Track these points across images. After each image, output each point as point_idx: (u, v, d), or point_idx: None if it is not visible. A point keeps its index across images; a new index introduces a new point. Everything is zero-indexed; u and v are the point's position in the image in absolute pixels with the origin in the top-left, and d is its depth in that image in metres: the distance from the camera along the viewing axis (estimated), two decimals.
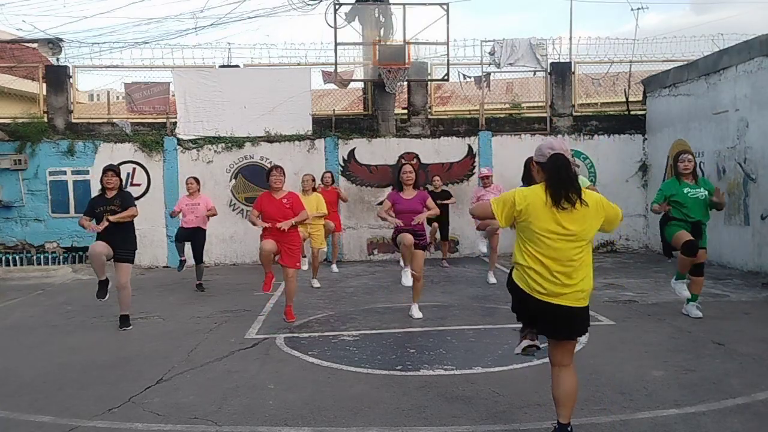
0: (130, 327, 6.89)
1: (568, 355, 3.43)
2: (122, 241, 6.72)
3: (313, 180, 9.48)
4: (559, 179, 3.25)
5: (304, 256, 9.07)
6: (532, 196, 3.31)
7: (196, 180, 9.33)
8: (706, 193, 6.35)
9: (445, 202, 10.58)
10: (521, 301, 3.41)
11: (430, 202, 6.92)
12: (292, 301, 7.07)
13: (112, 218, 6.60)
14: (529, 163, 7.19)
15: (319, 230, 9.16)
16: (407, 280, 6.97)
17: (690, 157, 6.47)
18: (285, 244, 6.79)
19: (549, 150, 3.32)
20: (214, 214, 9.32)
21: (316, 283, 9.21)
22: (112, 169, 6.86)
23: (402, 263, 7.22)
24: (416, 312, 6.97)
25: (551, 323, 3.33)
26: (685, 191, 6.31)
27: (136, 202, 7.02)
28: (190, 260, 9.34)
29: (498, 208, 3.37)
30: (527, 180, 7.14)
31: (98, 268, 6.83)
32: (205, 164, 12.22)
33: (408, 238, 6.70)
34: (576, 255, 3.27)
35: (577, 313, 3.32)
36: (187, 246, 9.25)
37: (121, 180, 6.96)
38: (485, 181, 9.60)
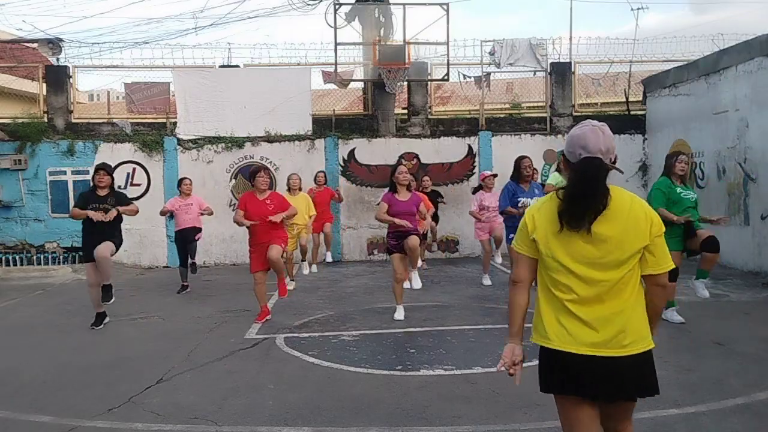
0: (112, 300, 6.76)
1: (623, 421, 2.54)
2: (110, 236, 6.70)
3: (299, 180, 9.44)
4: (581, 196, 2.32)
5: (305, 260, 9.14)
6: (544, 210, 2.44)
7: (191, 181, 9.40)
8: (696, 196, 6.28)
9: (438, 201, 10.70)
10: (555, 365, 2.39)
11: (422, 206, 6.99)
12: (284, 273, 7.11)
13: (121, 209, 6.68)
14: (519, 161, 7.11)
15: (306, 229, 9.19)
16: (400, 315, 6.91)
17: (686, 159, 6.34)
18: (272, 240, 6.69)
19: (581, 150, 2.36)
20: (210, 213, 9.28)
21: (305, 270, 9.28)
22: (103, 168, 6.87)
23: (395, 299, 7.01)
24: (416, 281, 7.03)
25: (590, 381, 2.33)
26: (678, 191, 6.19)
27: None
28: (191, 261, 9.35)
29: (520, 247, 2.51)
30: (516, 177, 7.06)
31: (96, 300, 6.81)
32: (205, 164, 12.22)
33: (399, 270, 6.78)
34: (610, 285, 2.33)
35: (624, 364, 2.32)
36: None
37: (113, 179, 6.94)
38: (490, 180, 9.20)
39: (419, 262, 7.84)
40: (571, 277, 2.35)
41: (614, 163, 2.42)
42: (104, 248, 6.57)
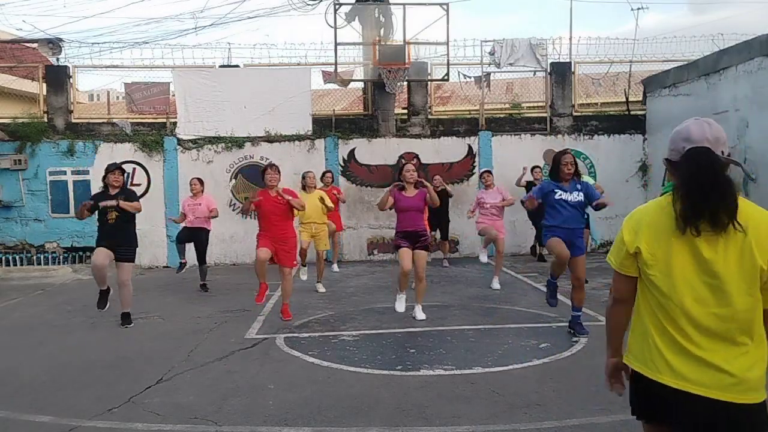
0: (132, 324, 6.98)
1: None
2: (124, 239, 6.86)
3: (314, 177, 9.45)
4: (698, 189, 2.02)
5: (304, 266, 9.10)
6: (653, 219, 2.14)
7: (200, 181, 9.33)
8: None
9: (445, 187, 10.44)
10: (642, 391, 2.18)
11: (429, 197, 6.97)
12: (289, 299, 7.17)
13: (122, 204, 6.77)
14: (559, 157, 6.26)
15: (324, 230, 9.09)
16: (400, 306, 6.96)
17: None
18: (280, 244, 6.88)
19: (684, 143, 2.13)
20: (215, 216, 9.26)
21: (321, 288, 8.98)
22: (119, 168, 7.04)
23: (398, 287, 7.07)
24: (420, 313, 6.94)
25: (691, 424, 2.05)
26: None
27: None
28: (191, 261, 9.35)
29: (617, 264, 2.23)
30: (555, 175, 6.20)
31: (99, 279, 6.95)
32: (205, 164, 12.21)
33: (406, 263, 6.75)
34: (742, 307, 2.01)
35: (735, 412, 2.00)
36: (189, 247, 9.20)
37: (124, 178, 7.19)
38: (486, 178, 9.12)
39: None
40: (673, 296, 2.06)
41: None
42: (125, 273, 6.93)
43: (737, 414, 1.98)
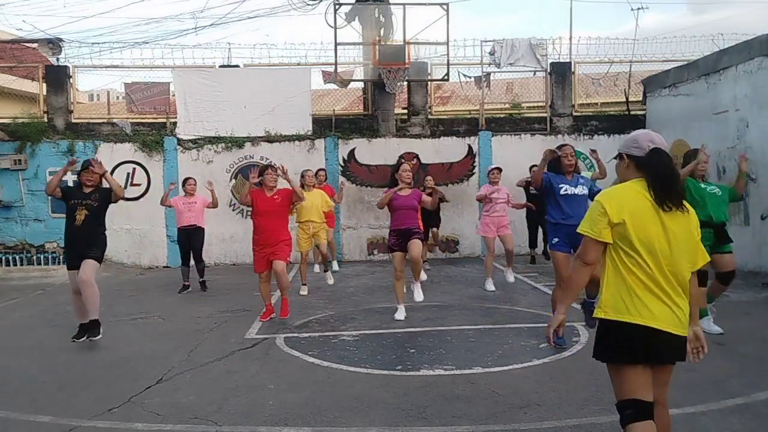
0: (100, 336, 6.11)
1: (664, 389, 2.96)
2: (92, 244, 6.21)
3: (313, 176, 9.45)
4: (665, 177, 2.75)
5: (304, 284, 9.02)
6: (633, 198, 2.77)
7: (194, 180, 9.49)
8: (719, 189, 6.07)
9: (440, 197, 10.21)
10: (615, 337, 2.78)
11: (424, 198, 7.04)
12: (288, 293, 7.14)
13: (108, 177, 6.29)
14: (558, 149, 5.98)
15: (322, 229, 9.06)
16: (401, 314, 6.93)
17: (707, 158, 6.13)
18: (274, 246, 6.87)
19: (649, 143, 2.83)
20: (215, 206, 9.32)
21: (330, 280, 9.25)
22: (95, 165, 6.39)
23: (396, 298, 7.02)
24: (418, 294, 6.94)
25: (656, 350, 2.75)
26: (708, 189, 5.98)
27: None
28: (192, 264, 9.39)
29: (597, 233, 2.77)
30: (555, 169, 5.87)
31: (78, 308, 6.34)
32: (205, 164, 12.21)
33: (398, 265, 6.81)
34: (684, 268, 2.76)
35: (679, 342, 2.79)
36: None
37: (101, 176, 6.50)
38: (496, 175, 8.70)
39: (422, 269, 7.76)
40: (651, 255, 2.70)
41: None
42: (87, 271, 6.06)
43: (680, 343, 2.78)
